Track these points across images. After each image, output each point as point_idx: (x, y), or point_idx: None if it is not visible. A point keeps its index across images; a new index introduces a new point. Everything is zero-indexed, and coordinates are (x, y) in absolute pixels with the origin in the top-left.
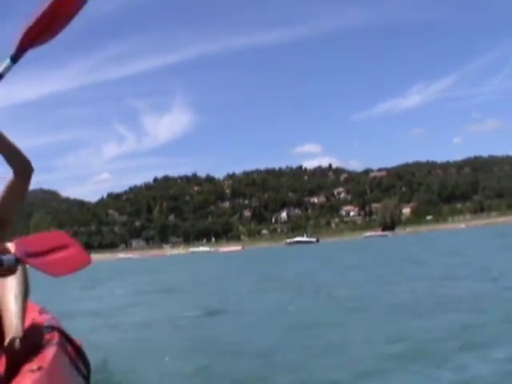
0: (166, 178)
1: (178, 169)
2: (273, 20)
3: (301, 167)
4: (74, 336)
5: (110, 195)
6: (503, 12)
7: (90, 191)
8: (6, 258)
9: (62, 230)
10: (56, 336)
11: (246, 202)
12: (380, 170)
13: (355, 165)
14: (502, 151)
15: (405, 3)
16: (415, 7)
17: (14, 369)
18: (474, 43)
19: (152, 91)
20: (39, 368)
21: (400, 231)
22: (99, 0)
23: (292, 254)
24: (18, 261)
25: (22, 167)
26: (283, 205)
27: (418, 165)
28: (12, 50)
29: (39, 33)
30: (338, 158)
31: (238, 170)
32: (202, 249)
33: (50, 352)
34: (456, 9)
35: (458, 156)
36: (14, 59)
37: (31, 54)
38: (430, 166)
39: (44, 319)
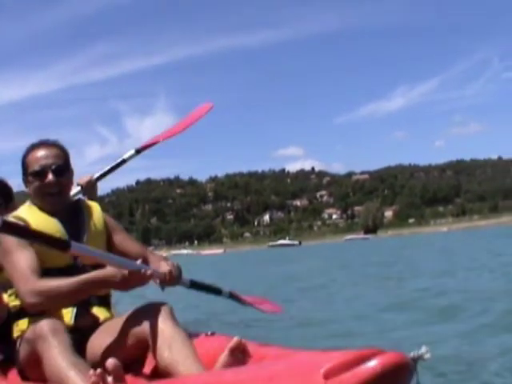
0: (149, 181)
1: (160, 171)
2: (257, 22)
3: (283, 170)
4: None
5: None
6: (486, 16)
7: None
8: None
9: None
10: None
11: (229, 204)
12: (363, 173)
13: (338, 168)
14: (484, 154)
15: (388, 7)
16: (399, 10)
17: None
18: (457, 46)
19: (135, 93)
20: None
21: (382, 234)
22: (83, 1)
23: (276, 257)
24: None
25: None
26: (266, 208)
27: (400, 168)
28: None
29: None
30: (321, 160)
31: (221, 172)
32: (184, 251)
33: None
34: (439, 12)
35: (440, 159)
36: (138, 151)
37: (14, 55)
38: (413, 169)
39: None
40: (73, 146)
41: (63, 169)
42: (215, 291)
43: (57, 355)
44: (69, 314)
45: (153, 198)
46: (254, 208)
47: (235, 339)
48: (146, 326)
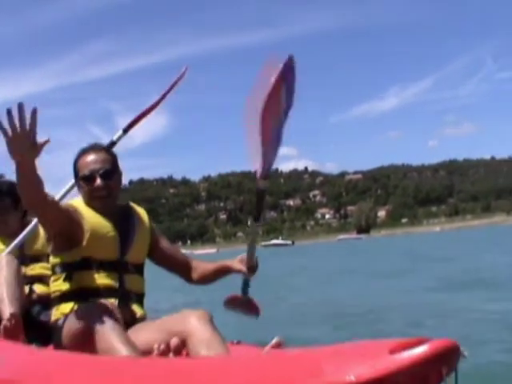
0: (142, 181)
1: (153, 171)
2: (253, 22)
3: (277, 170)
4: None
5: None
6: (480, 16)
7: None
8: None
9: None
10: None
11: (222, 204)
12: (356, 172)
13: (331, 167)
14: (477, 154)
15: (383, 7)
16: (393, 11)
17: None
18: (450, 47)
19: (128, 93)
20: None
21: (375, 234)
22: (76, 2)
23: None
24: None
25: (204, 283)
26: None
27: (393, 168)
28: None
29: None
30: (314, 160)
31: (214, 172)
32: None
33: None
34: (433, 13)
35: (433, 159)
36: (125, 131)
37: (8, 54)
38: (406, 169)
39: None
40: (65, 145)
41: (111, 172)
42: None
43: (111, 331)
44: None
45: (146, 197)
46: (247, 208)
47: (276, 338)
48: (186, 328)
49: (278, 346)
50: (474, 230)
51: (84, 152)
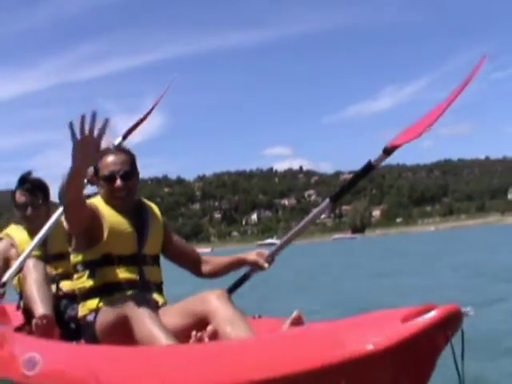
0: None
1: (148, 170)
2: (247, 23)
3: (271, 169)
4: None
5: None
6: (475, 17)
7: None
8: None
9: None
10: None
11: (217, 203)
12: (350, 172)
13: (326, 167)
14: (472, 154)
15: (377, 7)
16: (387, 11)
17: None
18: (445, 47)
19: (123, 92)
20: None
21: (370, 233)
22: (71, 1)
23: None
24: None
25: (214, 277)
26: (253, 207)
27: (388, 168)
28: None
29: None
30: (309, 160)
31: (209, 171)
32: None
33: None
34: (428, 13)
35: (428, 159)
36: (124, 137)
37: (1, 54)
38: (401, 169)
39: None
40: (60, 144)
41: (130, 173)
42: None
43: (149, 319)
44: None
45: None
46: (242, 207)
47: (295, 312)
48: (208, 308)
49: (298, 319)
50: (468, 230)
51: (104, 153)
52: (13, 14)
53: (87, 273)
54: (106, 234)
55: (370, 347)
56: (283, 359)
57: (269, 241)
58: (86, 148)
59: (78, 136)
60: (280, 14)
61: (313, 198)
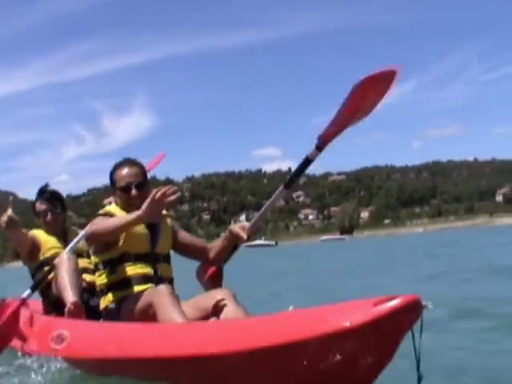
0: None
1: None
2: (237, 23)
3: (260, 170)
4: None
5: (68, 197)
6: (464, 18)
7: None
8: None
9: None
10: None
11: (205, 204)
12: (339, 173)
13: (315, 168)
14: (461, 156)
15: (367, 9)
16: (377, 12)
17: None
18: (436, 48)
19: (112, 92)
20: None
21: (358, 235)
22: (60, 1)
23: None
24: None
25: (219, 261)
26: (242, 208)
27: (377, 169)
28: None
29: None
30: (299, 161)
31: (197, 172)
32: None
33: None
34: (418, 14)
35: (417, 160)
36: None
37: None
38: (389, 171)
39: None
40: (50, 144)
41: (143, 184)
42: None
43: (171, 306)
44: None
45: None
46: (231, 208)
47: (291, 308)
48: (215, 304)
49: None
50: (456, 231)
51: (119, 166)
52: (3, 13)
53: (108, 270)
54: (123, 236)
55: (347, 324)
56: (280, 333)
57: (257, 242)
58: (157, 207)
59: (157, 195)
60: (272, 15)
61: (301, 199)
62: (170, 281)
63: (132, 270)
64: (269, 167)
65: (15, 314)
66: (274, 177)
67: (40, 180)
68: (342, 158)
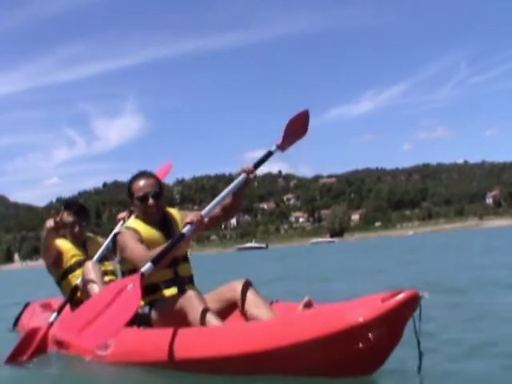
0: (116, 183)
1: (127, 174)
2: (226, 25)
3: None
4: None
5: (58, 200)
6: (453, 21)
7: (38, 196)
8: None
9: (9, 235)
10: None
11: (196, 207)
12: (330, 176)
13: (306, 171)
14: (451, 159)
15: (358, 11)
16: (367, 15)
17: None
18: (425, 51)
19: (103, 95)
20: None
21: (348, 237)
22: (51, 2)
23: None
24: None
25: (235, 212)
26: None
27: (367, 171)
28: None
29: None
30: (289, 164)
31: (188, 175)
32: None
33: None
34: (407, 17)
35: (407, 163)
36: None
37: None
38: (380, 173)
39: None
40: (40, 147)
41: (159, 194)
42: None
43: (201, 307)
44: (175, 289)
45: (120, 200)
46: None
47: (306, 298)
48: (236, 294)
49: (309, 303)
50: (447, 234)
51: (136, 178)
52: None
53: None
54: (145, 246)
55: (360, 319)
56: (304, 330)
57: (248, 244)
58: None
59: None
60: (260, 17)
61: (292, 201)
62: (190, 278)
63: (155, 275)
64: (259, 170)
65: (44, 339)
66: (264, 179)
67: (30, 183)
68: (332, 161)
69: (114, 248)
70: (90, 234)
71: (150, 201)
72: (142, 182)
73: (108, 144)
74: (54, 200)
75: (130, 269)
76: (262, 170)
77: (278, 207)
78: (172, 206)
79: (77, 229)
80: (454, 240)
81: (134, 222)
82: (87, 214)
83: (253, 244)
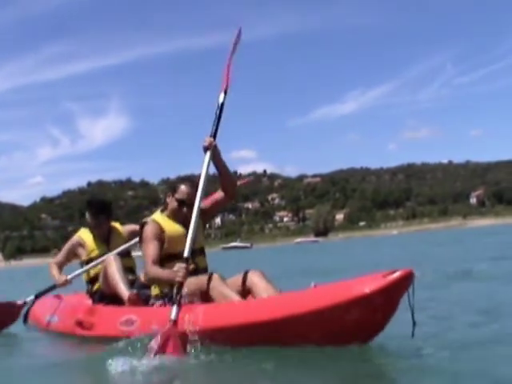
0: (100, 183)
1: (112, 173)
2: (210, 24)
3: (236, 173)
4: None
5: (42, 199)
6: (439, 21)
7: (22, 195)
8: None
9: None
10: None
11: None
12: (314, 176)
13: (291, 170)
14: (435, 158)
15: (342, 11)
16: (352, 15)
17: None
18: (410, 51)
19: (88, 94)
20: None
21: (333, 237)
22: (34, 1)
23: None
24: None
25: (231, 187)
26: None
27: (352, 171)
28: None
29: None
30: (274, 163)
31: (173, 174)
32: (134, 254)
33: None
34: (393, 17)
35: (392, 163)
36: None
37: None
38: (364, 173)
39: None
40: (24, 146)
41: (192, 204)
42: None
43: (222, 285)
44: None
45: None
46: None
47: (313, 284)
48: (250, 282)
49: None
50: (430, 233)
51: (185, 181)
52: None
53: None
54: (167, 240)
55: (366, 290)
56: (319, 299)
57: (233, 244)
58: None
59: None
60: (244, 16)
61: (276, 201)
62: (205, 269)
63: (175, 265)
64: (244, 169)
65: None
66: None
67: (14, 182)
68: (316, 161)
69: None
70: (115, 224)
71: (184, 209)
72: (188, 189)
73: (92, 143)
74: (38, 199)
75: (166, 254)
76: (246, 170)
77: (263, 207)
78: (156, 205)
79: (96, 228)
80: (436, 239)
81: (160, 217)
82: (109, 209)
83: (237, 243)
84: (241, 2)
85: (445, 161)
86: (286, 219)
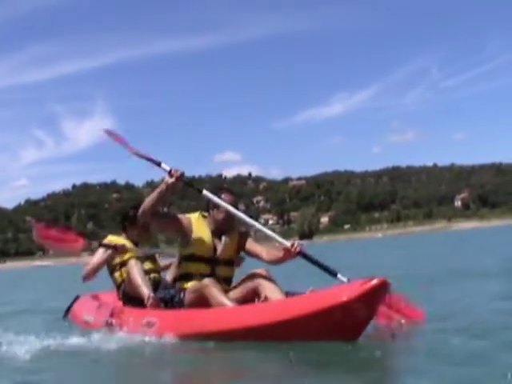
0: (85, 185)
1: (97, 176)
2: (197, 26)
3: (220, 175)
4: None
5: (27, 201)
6: (424, 24)
7: (6, 197)
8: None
9: None
10: None
11: (165, 209)
12: (299, 178)
13: (276, 173)
14: (420, 161)
15: (328, 13)
16: (338, 17)
17: None
18: (396, 54)
19: (73, 96)
20: None
21: (318, 240)
22: (19, 2)
23: None
24: None
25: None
26: None
27: (337, 174)
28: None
29: None
30: (259, 166)
31: (158, 177)
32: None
33: None
34: (378, 20)
35: (377, 165)
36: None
37: None
38: (349, 176)
39: None
40: (8, 148)
41: (234, 217)
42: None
43: (218, 294)
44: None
45: (89, 202)
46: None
47: (311, 287)
48: (257, 282)
49: (313, 291)
50: (415, 236)
51: (228, 190)
52: None
53: (180, 264)
54: (192, 240)
55: (344, 298)
56: (307, 305)
57: None
58: (176, 185)
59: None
60: (231, 18)
61: (261, 204)
62: (226, 279)
63: (194, 267)
64: (229, 172)
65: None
66: (234, 182)
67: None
68: (301, 163)
69: None
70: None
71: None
72: (232, 198)
73: (77, 145)
74: (22, 202)
75: (189, 253)
76: (232, 172)
77: (248, 209)
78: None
79: (138, 237)
80: (421, 241)
81: (196, 217)
82: (134, 219)
83: None
84: (227, 5)
85: (430, 164)
86: (270, 222)
